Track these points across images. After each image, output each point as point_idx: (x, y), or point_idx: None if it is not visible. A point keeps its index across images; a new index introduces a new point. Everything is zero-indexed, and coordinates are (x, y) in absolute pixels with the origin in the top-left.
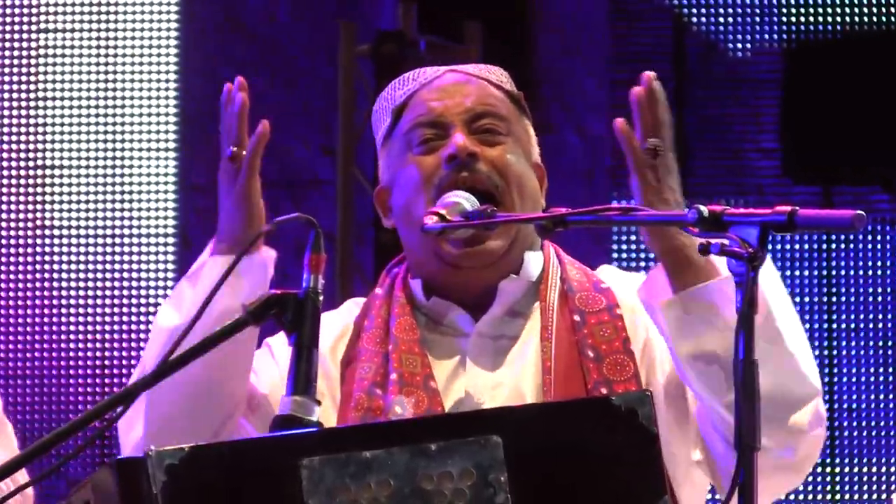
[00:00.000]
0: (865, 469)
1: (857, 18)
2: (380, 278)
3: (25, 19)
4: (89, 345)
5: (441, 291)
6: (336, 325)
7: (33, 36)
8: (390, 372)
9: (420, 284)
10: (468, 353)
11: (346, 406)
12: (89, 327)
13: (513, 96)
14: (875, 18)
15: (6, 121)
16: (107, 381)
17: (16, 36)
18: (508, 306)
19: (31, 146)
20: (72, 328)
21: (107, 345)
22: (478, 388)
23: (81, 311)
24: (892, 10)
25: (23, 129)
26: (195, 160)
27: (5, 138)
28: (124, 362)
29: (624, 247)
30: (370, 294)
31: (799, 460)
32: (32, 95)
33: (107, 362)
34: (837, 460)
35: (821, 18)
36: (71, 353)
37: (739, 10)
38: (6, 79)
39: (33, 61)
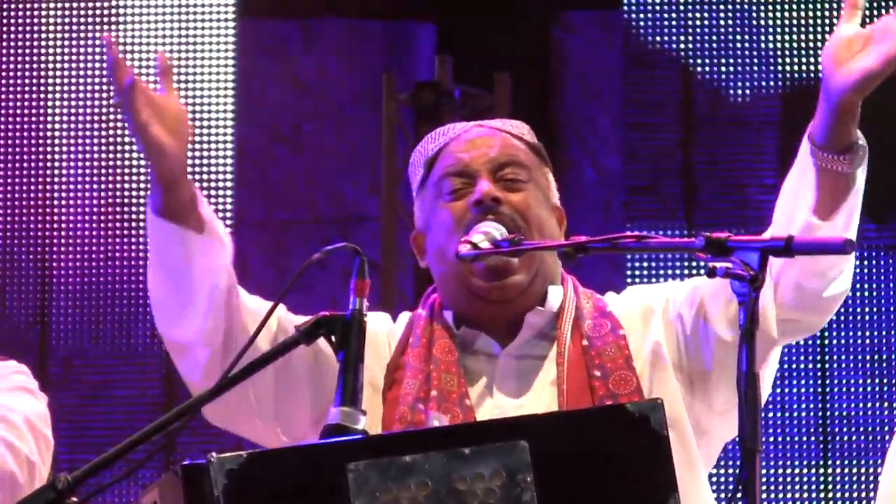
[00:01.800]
0: (855, 471)
1: None
2: (421, 300)
3: (97, 80)
4: (153, 377)
5: (471, 322)
6: (386, 329)
7: (104, 87)
8: (431, 389)
9: (452, 315)
10: (496, 377)
11: (391, 416)
12: (155, 349)
13: (533, 147)
14: None
15: (88, 170)
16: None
17: (89, 94)
18: (532, 335)
19: (110, 191)
20: (139, 350)
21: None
22: (503, 410)
23: (149, 338)
24: None
25: (96, 175)
26: (252, 199)
27: (87, 185)
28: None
29: (637, 272)
30: (414, 313)
31: None
32: (111, 147)
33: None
34: (829, 462)
35: (813, 67)
36: (139, 380)
37: (741, 60)
38: (88, 130)
39: (108, 112)
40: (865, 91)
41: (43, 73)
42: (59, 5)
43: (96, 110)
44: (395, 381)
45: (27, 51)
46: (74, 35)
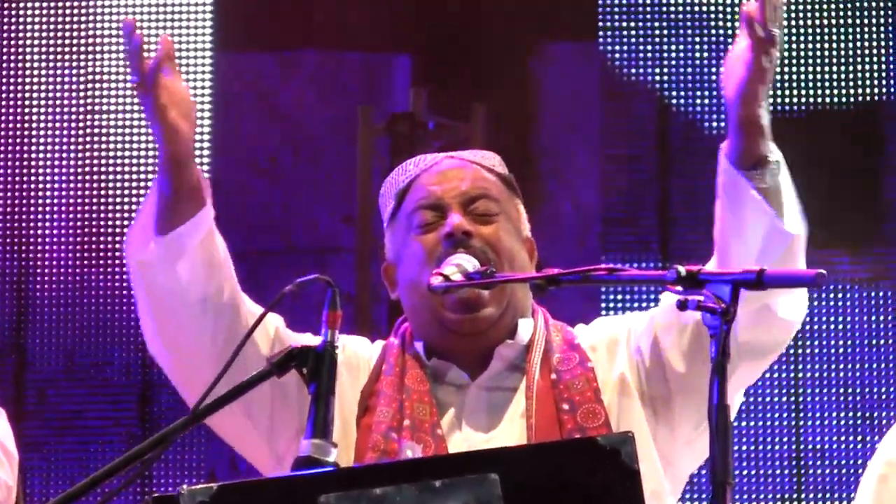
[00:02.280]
0: None
1: (819, 99)
2: (393, 329)
3: (74, 108)
4: (129, 406)
5: (442, 353)
6: (367, 354)
7: (81, 117)
8: (404, 418)
9: (423, 346)
10: (465, 409)
11: (365, 443)
12: (131, 379)
13: (504, 178)
14: (836, 99)
15: (66, 199)
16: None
17: (66, 126)
18: (502, 368)
19: (87, 221)
20: (115, 381)
21: (146, 399)
22: (472, 443)
23: (124, 368)
24: (851, 91)
25: (73, 204)
26: (228, 229)
27: (65, 214)
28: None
29: (612, 304)
30: (387, 341)
31: None
32: (90, 176)
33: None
34: (803, 496)
35: (787, 99)
36: (113, 411)
37: (715, 92)
38: (66, 160)
39: (86, 141)
40: (750, 100)
41: (20, 100)
42: (36, 34)
43: (73, 140)
44: (369, 408)
45: (2, 78)
46: (52, 61)
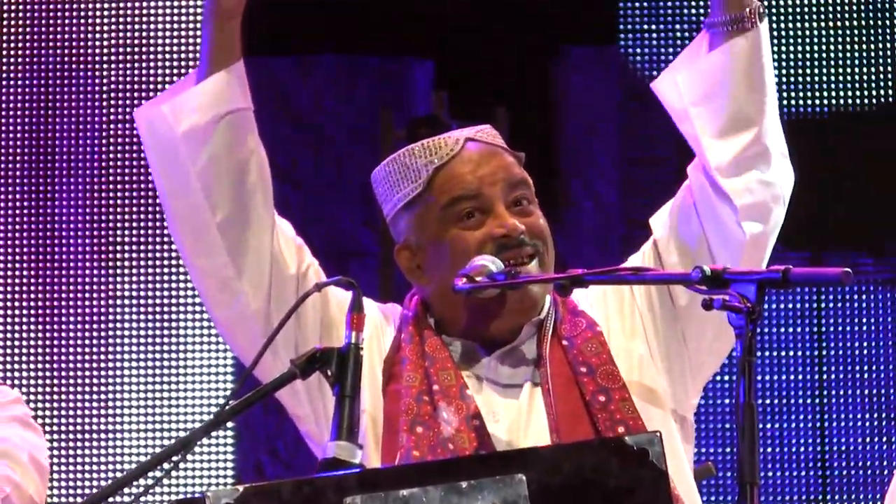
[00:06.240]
0: None
1: (841, 101)
2: (405, 301)
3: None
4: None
5: (465, 332)
6: (393, 322)
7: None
8: (433, 384)
9: (434, 323)
10: (484, 379)
11: (396, 408)
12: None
13: (519, 158)
14: (857, 101)
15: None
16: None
17: (85, 129)
18: (523, 340)
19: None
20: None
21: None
22: (494, 406)
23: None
24: (873, 92)
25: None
26: None
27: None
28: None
29: None
30: (402, 312)
31: None
32: (93, 192)
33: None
34: (829, 497)
35: (802, 101)
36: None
37: None
38: (87, 165)
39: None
40: None
41: (42, 107)
42: (57, 37)
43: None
44: (394, 376)
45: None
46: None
